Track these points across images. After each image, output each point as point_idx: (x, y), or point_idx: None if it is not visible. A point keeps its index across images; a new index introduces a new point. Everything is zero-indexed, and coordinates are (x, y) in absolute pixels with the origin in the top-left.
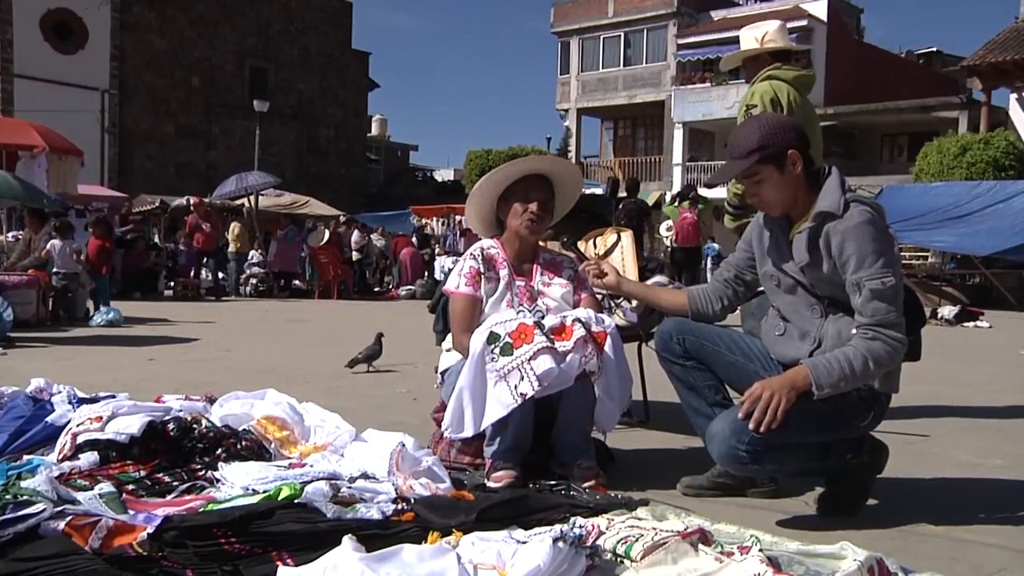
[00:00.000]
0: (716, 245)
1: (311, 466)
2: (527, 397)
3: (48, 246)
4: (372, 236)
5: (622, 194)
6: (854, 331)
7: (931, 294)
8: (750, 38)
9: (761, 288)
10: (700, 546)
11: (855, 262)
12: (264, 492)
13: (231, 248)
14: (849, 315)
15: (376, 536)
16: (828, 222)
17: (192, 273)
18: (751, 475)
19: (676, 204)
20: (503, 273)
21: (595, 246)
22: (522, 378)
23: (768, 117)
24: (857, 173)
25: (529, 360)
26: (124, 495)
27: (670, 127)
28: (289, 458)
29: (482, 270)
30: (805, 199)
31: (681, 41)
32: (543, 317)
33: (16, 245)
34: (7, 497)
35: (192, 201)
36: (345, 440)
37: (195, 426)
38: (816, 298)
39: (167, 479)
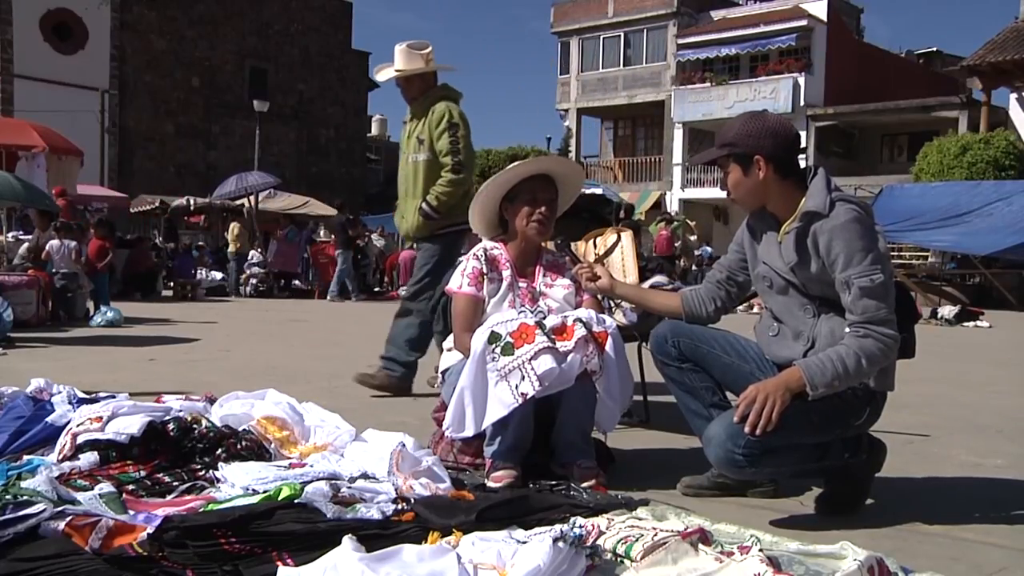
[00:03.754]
0: (709, 248)
1: (311, 466)
2: (528, 397)
3: (48, 246)
4: (372, 236)
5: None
6: (847, 330)
7: (931, 294)
8: (417, 56)
9: (754, 289)
10: (700, 546)
11: (843, 260)
12: (264, 492)
13: (231, 248)
14: (842, 314)
15: (376, 536)
16: (815, 222)
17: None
18: (749, 478)
19: (655, 223)
20: (506, 274)
21: (595, 246)
22: (523, 378)
23: (759, 118)
24: (857, 173)
25: (530, 360)
26: (124, 495)
27: (670, 127)
28: (289, 458)
29: (485, 271)
30: (791, 200)
31: (681, 41)
32: (544, 317)
33: (16, 245)
34: (7, 497)
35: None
36: (345, 440)
37: (195, 426)
38: (808, 298)
39: (167, 479)
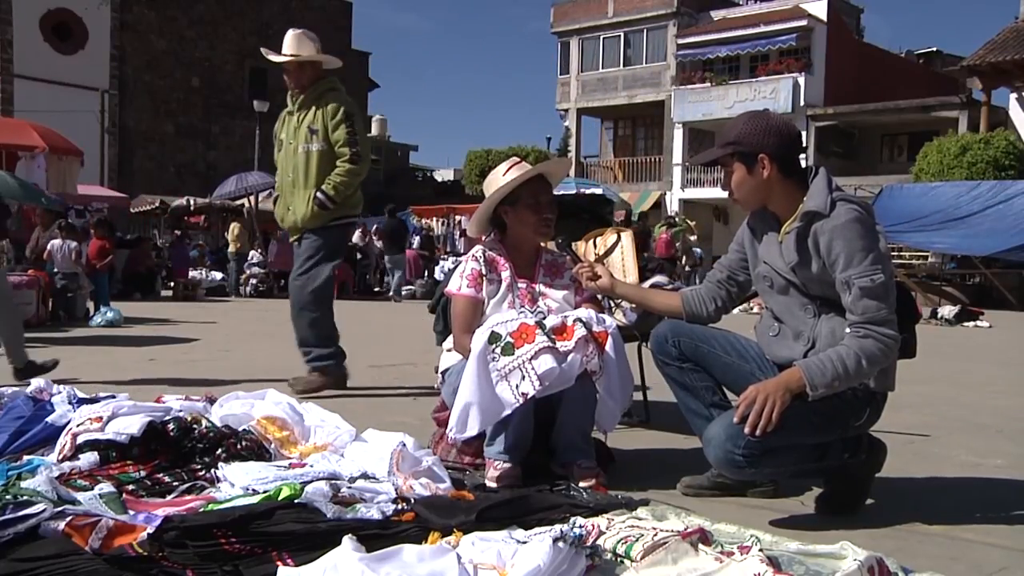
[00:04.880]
0: (699, 250)
1: (311, 466)
2: (528, 396)
3: (49, 246)
4: (372, 236)
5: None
6: (847, 330)
7: (931, 294)
8: (310, 44)
9: (755, 289)
10: (700, 546)
11: (844, 260)
12: (264, 492)
13: (231, 248)
14: (842, 314)
15: (376, 536)
16: (816, 221)
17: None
18: (749, 479)
19: (658, 227)
20: (505, 275)
21: (595, 246)
22: (523, 377)
23: (762, 117)
24: (857, 173)
25: (530, 360)
26: (124, 495)
27: (670, 127)
28: (289, 458)
29: (484, 272)
30: (792, 200)
31: (681, 41)
32: (544, 317)
33: (15, 246)
34: (7, 497)
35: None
36: (345, 440)
37: (195, 426)
38: (809, 298)
39: (167, 479)
